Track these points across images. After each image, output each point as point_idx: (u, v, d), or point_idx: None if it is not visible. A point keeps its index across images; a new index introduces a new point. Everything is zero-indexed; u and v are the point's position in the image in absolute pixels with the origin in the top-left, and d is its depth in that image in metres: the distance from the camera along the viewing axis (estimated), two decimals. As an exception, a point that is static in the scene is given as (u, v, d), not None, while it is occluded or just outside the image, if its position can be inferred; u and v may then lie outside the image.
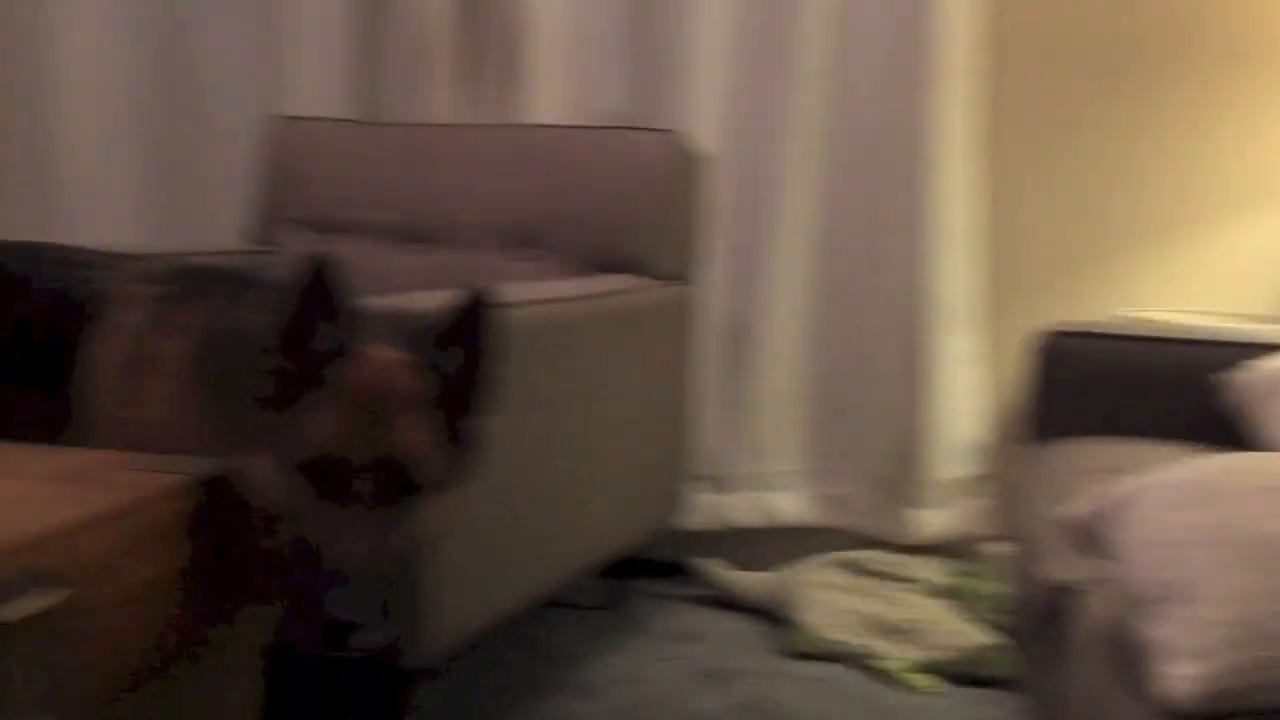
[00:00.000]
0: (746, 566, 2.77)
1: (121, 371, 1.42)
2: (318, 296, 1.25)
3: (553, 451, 2.05)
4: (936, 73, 2.67)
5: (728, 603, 2.70)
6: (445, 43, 2.90)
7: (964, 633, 2.41)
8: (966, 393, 2.75)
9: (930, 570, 2.68)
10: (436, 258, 2.57)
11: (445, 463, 1.30)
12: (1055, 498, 1.68)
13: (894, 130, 2.74)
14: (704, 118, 2.78)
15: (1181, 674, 1.10)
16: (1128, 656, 1.18)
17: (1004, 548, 2.61)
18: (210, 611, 1.21)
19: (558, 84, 2.88)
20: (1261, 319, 2.62)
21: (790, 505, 2.90)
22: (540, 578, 2.07)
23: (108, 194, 3.12)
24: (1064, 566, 1.41)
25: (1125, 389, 2.27)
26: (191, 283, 1.49)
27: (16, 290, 1.51)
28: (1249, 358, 2.10)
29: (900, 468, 2.77)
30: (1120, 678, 1.17)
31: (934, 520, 2.75)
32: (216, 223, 3.07)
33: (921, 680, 2.32)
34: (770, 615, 2.63)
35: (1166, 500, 1.33)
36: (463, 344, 1.32)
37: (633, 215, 2.44)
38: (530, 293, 1.99)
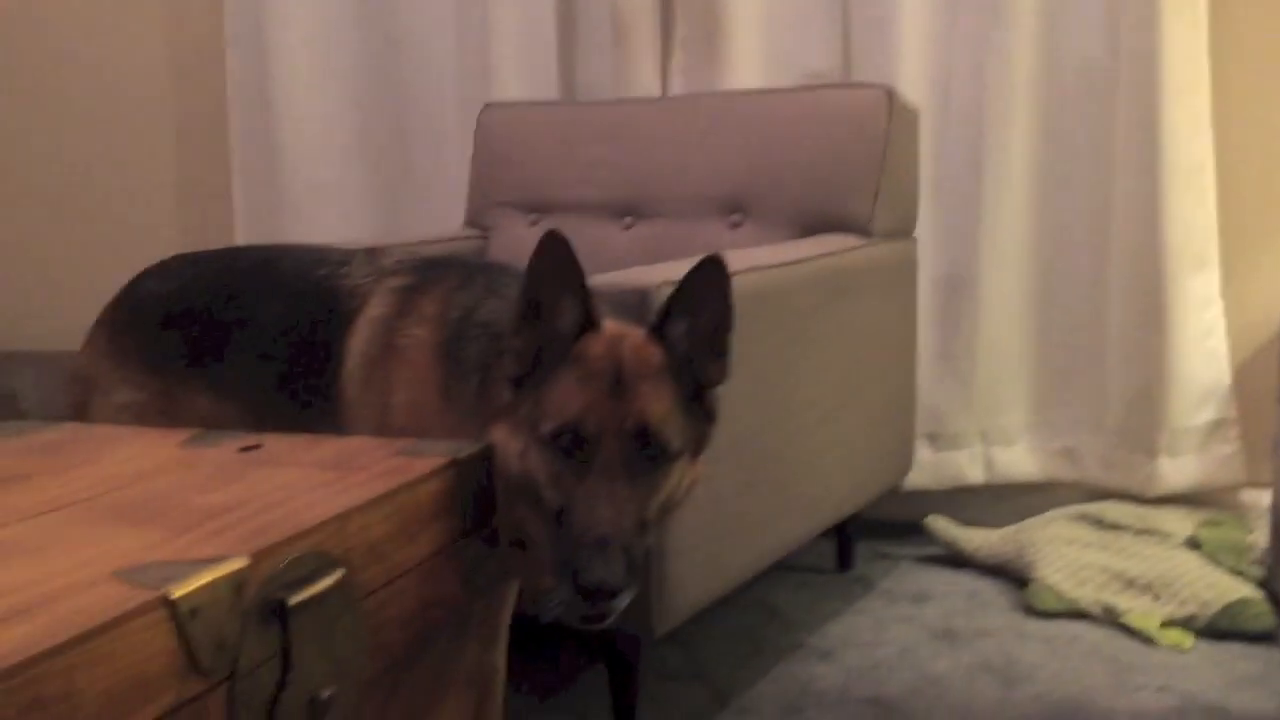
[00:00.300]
0: (975, 524, 2.71)
1: (372, 361, 1.50)
2: (555, 271, 1.29)
3: (782, 417, 2.05)
4: (1160, 4, 2.53)
5: (959, 561, 2.66)
6: (643, 16, 2.91)
7: (1216, 585, 2.29)
8: (1208, 334, 2.60)
9: (1177, 521, 2.56)
10: (650, 231, 2.60)
11: (685, 431, 1.32)
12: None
13: (1117, 66, 2.61)
14: (912, 70, 2.72)
15: None
16: None
17: (1263, 492, 2.49)
18: (470, 586, 1.26)
19: (758, 48, 2.87)
20: None
21: (1018, 460, 2.82)
22: (772, 542, 2.08)
23: (329, 188, 3.27)
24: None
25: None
26: (430, 273, 1.56)
27: (290, 289, 1.61)
28: None
29: (1139, 416, 2.64)
30: None
31: (1178, 469, 2.62)
32: (433, 211, 3.19)
33: (1170, 636, 2.23)
34: (1005, 573, 2.57)
35: None
36: (698, 313, 1.34)
37: (849, 174, 2.41)
38: (750, 259, 1.99)
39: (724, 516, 1.89)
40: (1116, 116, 2.62)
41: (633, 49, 2.93)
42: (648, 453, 1.27)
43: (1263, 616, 2.23)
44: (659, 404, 1.28)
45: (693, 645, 2.26)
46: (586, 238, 2.59)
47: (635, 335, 1.33)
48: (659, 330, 1.33)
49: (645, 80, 2.94)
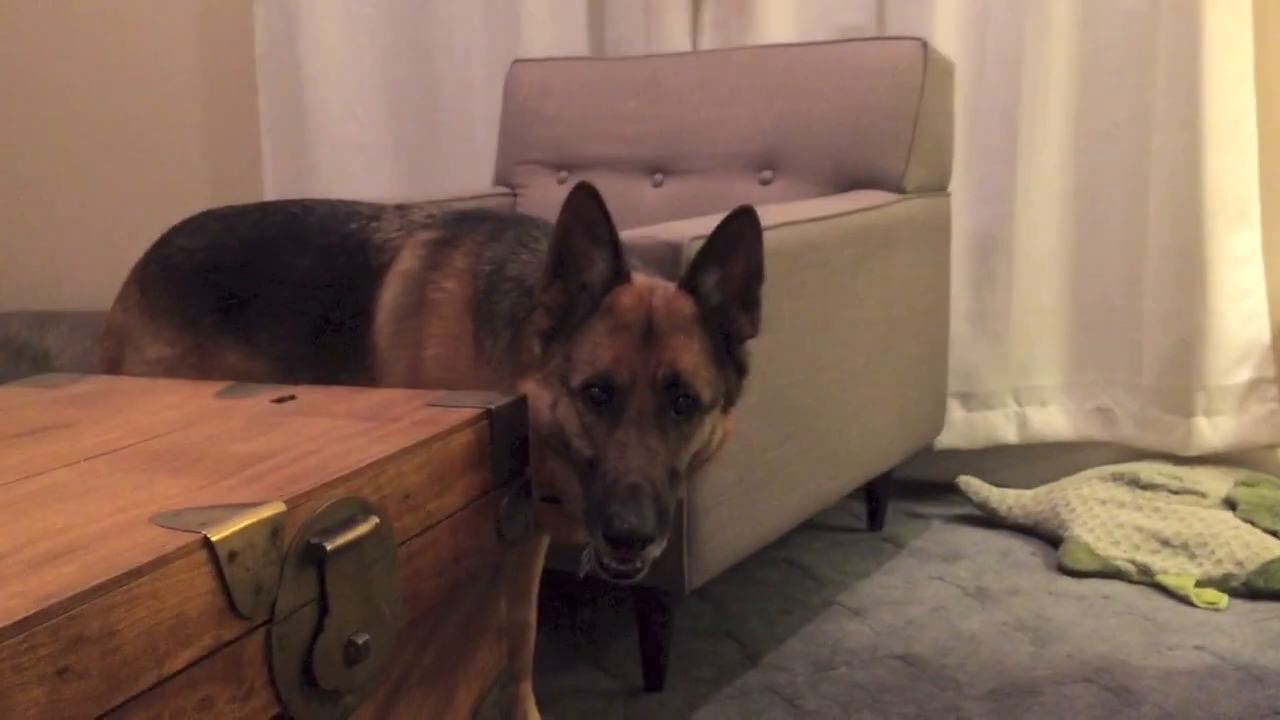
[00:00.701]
0: (1007, 484, 2.70)
1: (403, 314, 1.50)
2: (585, 224, 1.29)
3: (814, 373, 2.04)
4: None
5: (991, 521, 2.65)
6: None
7: (1252, 545, 2.28)
8: (1247, 292, 2.57)
9: (1213, 481, 2.53)
10: (680, 188, 2.58)
11: (716, 383, 1.32)
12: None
13: (1157, 18, 2.56)
14: (947, 22, 2.68)
15: None
16: None
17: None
18: (503, 537, 1.26)
19: (790, 1, 2.83)
20: None
21: (1053, 419, 2.80)
22: (804, 499, 2.08)
23: (361, 147, 3.27)
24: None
25: None
26: (460, 226, 1.55)
27: (320, 243, 1.61)
28: None
29: (1175, 375, 2.61)
30: None
31: (1215, 429, 2.59)
32: (462, 169, 3.18)
33: (1205, 595, 2.21)
34: (1037, 533, 2.56)
35: None
36: (729, 265, 1.33)
37: (883, 129, 2.38)
38: (782, 214, 1.97)
39: (755, 472, 1.89)
40: (1156, 70, 2.57)
41: (663, 3, 2.91)
42: (679, 403, 1.26)
43: (1299, 576, 2.21)
44: (690, 355, 1.28)
45: (723, 603, 2.26)
46: (616, 195, 2.55)
47: (666, 287, 1.33)
48: (690, 283, 1.32)
49: (676, 35, 2.92)
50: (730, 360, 1.36)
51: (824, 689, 1.91)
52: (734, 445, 1.64)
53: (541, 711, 1.73)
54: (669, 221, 1.84)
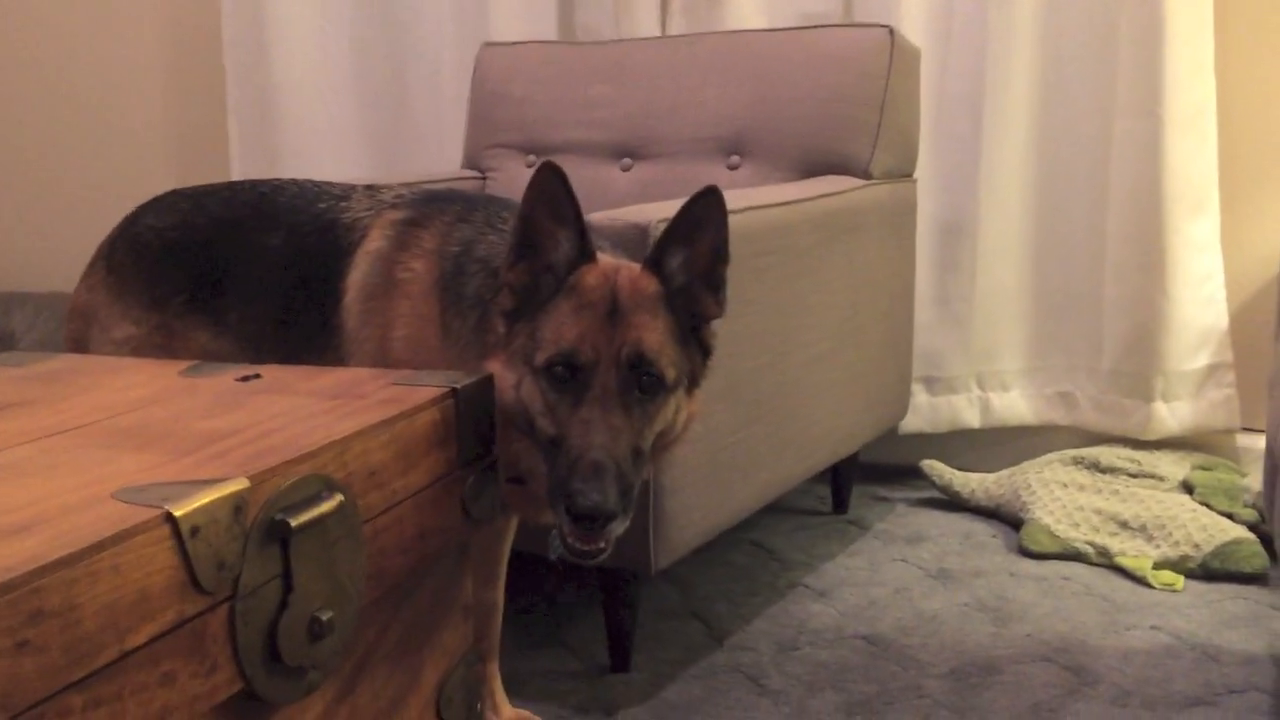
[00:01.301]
0: (970, 468, 2.73)
1: (371, 294, 1.50)
2: (550, 203, 1.29)
3: (780, 356, 2.06)
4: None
5: (954, 504, 2.68)
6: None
7: (1209, 527, 2.31)
8: (1206, 279, 2.60)
9: (1171, 464, 2.58)
10: (648, 172, 2.59)
11: (681, 363, 1.33)
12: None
13: (1119, 8, 2.58)
14: (913, 10, 2.70)
15: None
16: None
17: (1256, 436, 2.50)
18: (469, 516, 1.27)
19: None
20: None
21: (1015, 404, 2.83)
22: (769, 481, 2.09)
23: (329, 129, 3.26)
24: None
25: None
26: (429, 207, 1.55)
27: (289, 223, 1.61)
28: None
29: (1135, 360, 2.65)
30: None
31: (1173, 413, 2.63)
32: (430, 153, 3.18)
33: (1162, 577, 2.25)
34: (999, 516, 2.59)
35: None
36: (694, 246, 1.34)
37: (850, 115, 2.40)
38: (749, 198, 1.99)
39: (721, 454, 1.90)
40: (1118, 59, 2.60)
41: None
42: (643, 382, 1.27)
43: (1254, 558, 2.25)
44: (654, 334, 1.29)
45: (690, 584, 2.28)
46: (584, 178, 2.58)
47: (631, 267, 1.33)
48: (655, 263, 1.33)
49: (644, 20, 2.92)
50: (695, 341, 1.37)
51: (788, 668, 1.93)
52: (700, 427, 1.66)
53: (508, 692, 1.74)
54: (637, 205, 1.85)
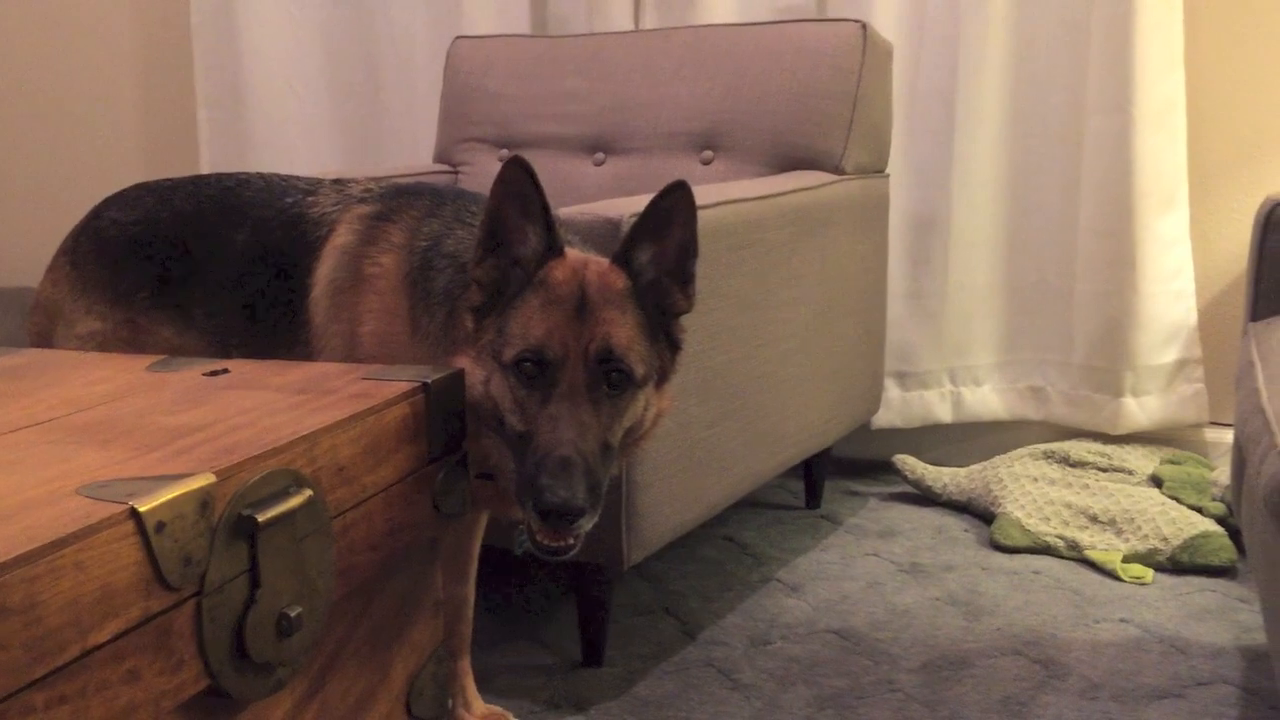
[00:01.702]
0: (942, 462, 2.74)
1: (339, 289, 1.49)
2: (518, 198, 1.29)
3: (752, 351, 2.06)
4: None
5: (926, 499, 2.69)
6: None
7: (1177, 521, 2.33)
8: (1176, 274, 2.62)
9: (1140, 459, 2.60)
10: (621, 166, 2.59)
11: (650, 358, 1.33)
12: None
13: (1090, 3, 2.60)
14: (886, 6, 2.70)
15: None
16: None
17: (1224, 430, 2.52)
18: (439, 511, 1.26)
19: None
20: None
21: (987, 399, 2.84)
22: (739, 477, 2.09)
23: (299, 123, 3.24)
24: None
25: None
26: (398, 201, 1.54)
27: (256, 217, 1.59)
28: None
29: (1107, 355, 2.67)
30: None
31: (1143, 408, 2.65)
32: (403, 147, 3.16)
33: (1131, 570, 2.26)
34: (971, 510, 2.60)
35: None
36: (664, 240, 1.34)
37: (823, 110, 2.40)
38: (722, 193, 1.98)
39: (694, 449, 1.90)
40: (1089, 56, 2.62)
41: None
42: (611, 378, 1.27)
43: (1222, 551, 2.27)
44: (622, 329, 1.28)
45: (663, 579, 2.28)
46: (557, 173, 2.59)
47: (599, 262, 1.33)
48: (624, 258, 1.33)
49: (617, 14, 2.91)
50: (664, 336, 1.36)
51: (760, 663, 1.94)
52: (672, 422, 1.66)
53: (480, 687, 1.73)
54: (609, 199, 1.84)
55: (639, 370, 1.30)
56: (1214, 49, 2.63)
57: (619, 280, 1.31)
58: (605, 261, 1.34)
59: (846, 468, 2.84)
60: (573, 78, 2.71)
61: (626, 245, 1.33)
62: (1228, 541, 2.29)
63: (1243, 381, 1.88)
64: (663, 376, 1.38)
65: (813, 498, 2.68)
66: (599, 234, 1.56)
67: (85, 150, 3.57)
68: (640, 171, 2.54)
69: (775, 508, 2.68)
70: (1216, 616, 2.09)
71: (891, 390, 2.82)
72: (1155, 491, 2.46)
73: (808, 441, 2.38)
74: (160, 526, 0.86)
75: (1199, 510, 2.38)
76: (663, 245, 1.34)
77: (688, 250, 1.35)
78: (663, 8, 2.91)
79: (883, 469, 2.79)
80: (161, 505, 0.86)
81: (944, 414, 2.84)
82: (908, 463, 2.72)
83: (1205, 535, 2.29)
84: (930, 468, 2.70)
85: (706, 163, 2.50)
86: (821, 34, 2.47)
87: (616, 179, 2.55)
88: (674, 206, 1.32)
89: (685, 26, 2.79)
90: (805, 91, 2.42)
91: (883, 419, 2.81)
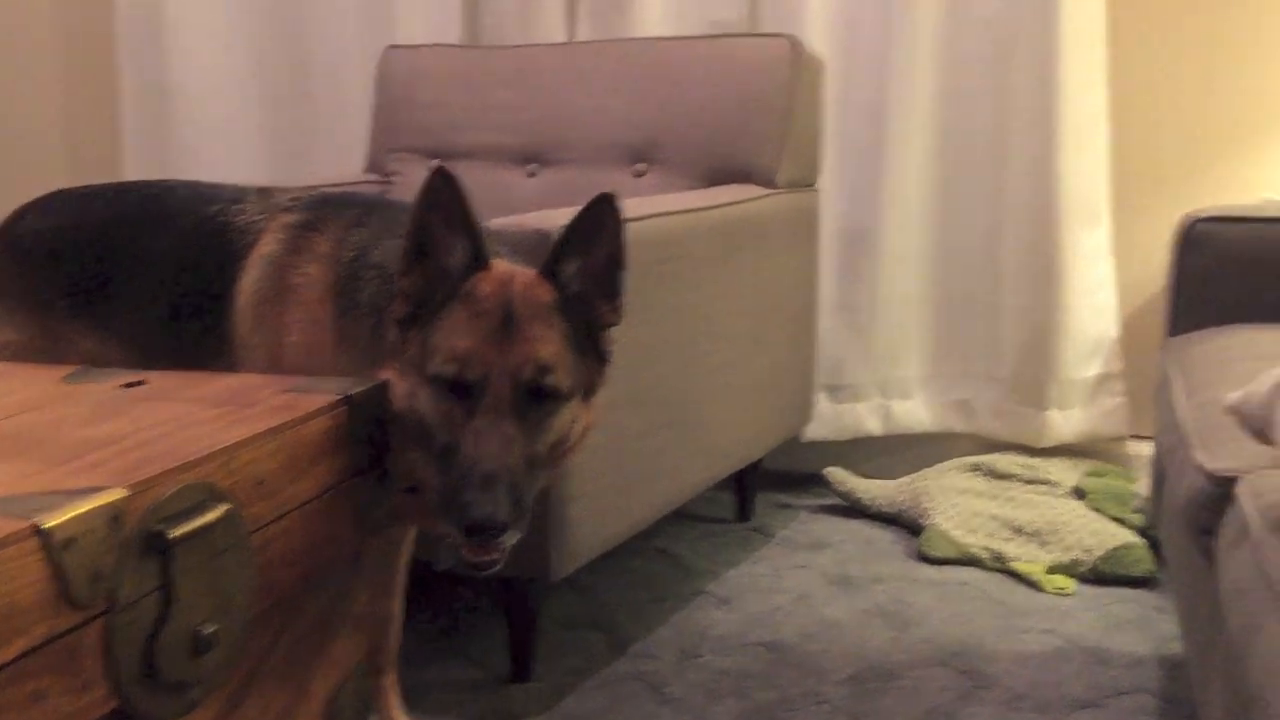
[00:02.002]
0: (873, 475, 2.76)
1: (264, 300, 1.47)
2: (443, 209, 1.27)
3: (683, 364, 2.06)
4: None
5: (856, 511, 2.71)
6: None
7: (1099, 532, 2.37)
8: (1098, 288, 2.67)
9: (1064, 471, 2.64)
10: (554, 178, 2.58)
11: (577, 372, 1.32)
12: (1211, 386, 1.62)
13: (1018, 20, 2.64)
14: (817, 21, 2.73)
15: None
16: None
17: (1145, 443, 2.57)
18: (361, 526, 1.25)
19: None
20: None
21: (916, 411, 2.87)
22: (671, 489, 2.09)
23: (226, 130, 3.19)
24: (1229, 454, 1.36)
25: (1268, 274, 2.19)
26: (324, 210, 1.52)
27: (179, 225, 1.56)
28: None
29: (1032, 369, 2.71)
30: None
31: (1068, 421, 2.70)
32: (333, 157, 3.13)
33: (1054, 581, 2.30)
34: (899, 522, 2.63)
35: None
36: (591, 252, 1.33)
37: (753, 123, 2.41)
38: (648, 206, 1.99)
39: (625, 461, 1.90)
40: (1015, 71, 2.66)
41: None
42: (537, 391, 1.26)
43: (1142, 562, 2.31)
44: (548, 343, 1.27)
45: (592, 592, 2.27)
46: (489, 184, 2.57)
47: (526, 274, 1.32)
48: (551, 270, 1.32)
49: (551, 26, 2.91)
50: (592, 349, 1.35)
51: (690, 676, 1.93)
52: (602, 435, 1.65)
53: (408, 703, 1.71)
54: (541, 210, 1.84)
55: (565, 384, 1.29)
56: (1136, 67, 2.69)
57: (546, 293, 1.31)
58: (532, 274, 1.33)
59: (778, 480, 2.85)
60: (505, 89, 2.70)
61: (553, 257, 1.32)
62: (1148, 553, 2.33)
63: (1161, 396, 1.92)
64: (590, 389, 1.37)
65: (744, 510, 2.69)
66: (528, 246, 1.55)
67: (4, 156, 3.49)
68: (573, 184, 2.54)
69: (707, 520, 2.68)
70: (1136, 626, 2.13)
71: (822, 403, 2.84)
72: (1078, 503, 2.50)
73: (739, 454, 2.38)
74: (68, 543, 0.83)
75: (1120, 522, 2.42)
76: (590, 258, 1.33)
77: (615, 263, 1.34)
78: (595, 20, 2.91)
79: (813, 481, 2.81)
80: (69, 520, 0.84)
81: (874, 426, 2.87)
82: (838, 475, 2.74)
83: (1126, 546, 2.33)
84: (860, 480, 2.72)
85: (640, 175, 2.51)
86: (753, 48, 2.49)
87: (549, 191, 2.55)
88: (601, 219, 1.31)
89: (619, 39, 2.80)
90: (737, 106, 2.43)
91: (813, 431, 2.83)
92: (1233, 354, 1.82)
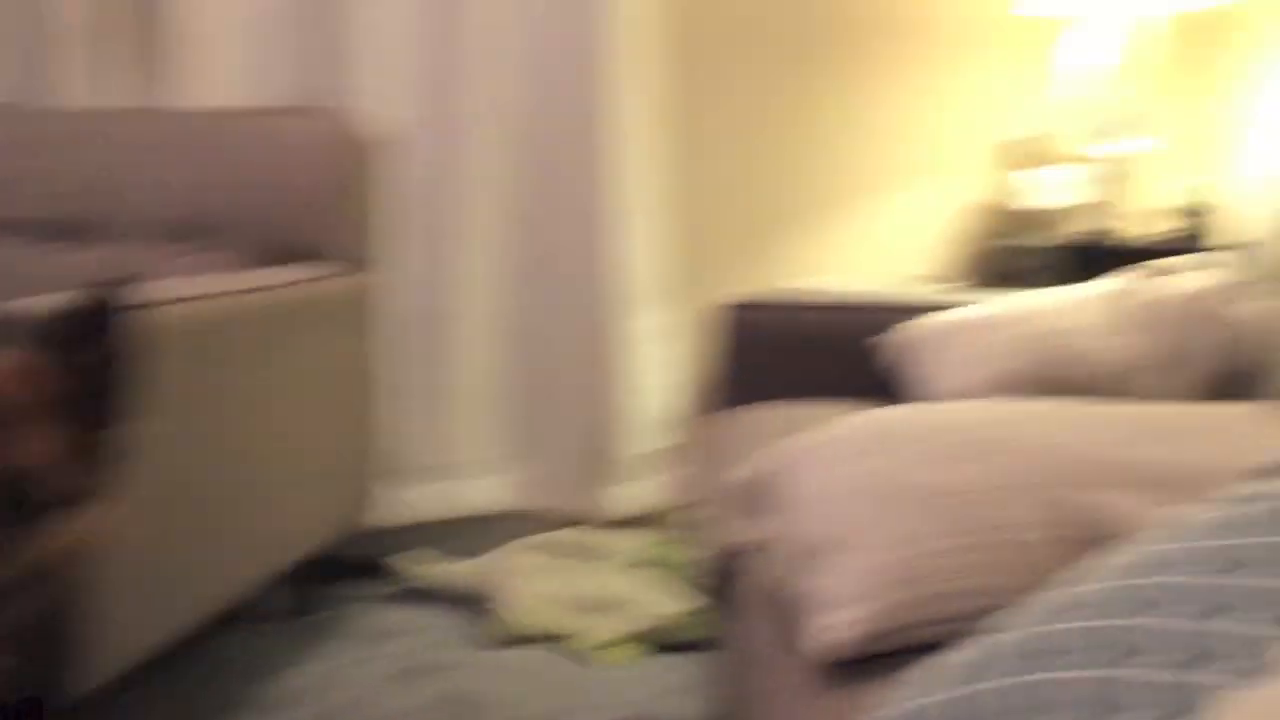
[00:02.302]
0: (449, 558, 2.72)
1: None
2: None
3: (218, 455, 1.93)
4: (612, 53, 2.70)
5: (427, 597, 2.65)
6: (78, 23, 2.68)
7: (662, 602, 2.46)
8: (657, 369, 2.80)
9: (629, 544, 2.72)
10: (93, 254, 2.38)
11: (79, 475, 1.19)
12: (731, 462, 1.72)
13: (572, 112, 2.75)
14: (386, 100, 2.71)
15: (836, 621, 1.13)
16: (788, 613, 1.21)
17: (694, 515, 2.70)
18: None
19: (217, 64, 2.73)
20: (926, 281, 2.81)
21: (488, 492, 2.88)
22: (216, 588, 1.95)
23: None
24: (733, 529, 1.44)
25: (802, 355, 2.36)
26: None
27: None
28: (907, 318, 2.23)
29: (595, 446, 2.79)
30: (781, 634, 1.20)
31: (630, 495, 2.80)
32: None
33: (617, 654, 2.35)
34: (472, 605, 2.60)
35: (827, 456, 1.38)
36: (93, 345, 1.21)
37: (299, 202, 2.34)
38: (183, 289, 1.86)
39: (158, 565, 1.74)
40: (573, 159, 2.76)
41: (69, 55, 2.69)
42: (12, 502, 1.12)
43: (698, 629, 2.41)
44: (39, 444, 1.14)
45: (130, 710, 2.06)
46: (20, 260, 2.34)
47: (15, 367, 1.18)
48: (45, 360, 1.18)
49: (84, 94, 2.71)
50: (95, 448, 1.23)
51: (235, 793, 1.80)
52: (132, 537, 1.50)
53: None
54: (58, 292, 1.67)
55: (65, 489, 1.15)
56: (691, 155, 2.85)
57: (39, 389, 1.17)
58: (23, 365, 1.19)
59: (346, 569, 2.74)
60: (43, 155, 2.47)
61: (49, 350, 1.19)
62: (701, 620, 2.43)
63: (699, 471, 2.02)
64: (97, 493, 1.24)
65: (301, 605, 2.55)
66: (20, 331, 1.40)
67: None
68: (114, 260, 2.34)
69: (260, 619, 2.52)
70: (688, 691, 2.21)
71: (385, 488, 2.76)
72: (639, 574, 2.58)
73: (293, 546, 2.27)
74: None
75: (683, 590, 2.52)
76: (92, 347, 1.21)
77: (119, 355, 1.23)
78: (136, 89, 2.73)
79: (377, 569, 2.72)
80: None
81: (441, 509, 2.84)
82: (406, 562, 2.67)
83: (687, 614, 2.43)
84: (428, 565, 2.67)
85: (190, 253, 2.36)
86: (307, 125, 2.41)
87: (87, 268, 2.34)
88: (102, 309, 1.20)
89: (160, 109, 2.65)
90: (290, 183, 2.35)
91: (385, 518, 2.75)
92: (761, 430, 1.94)
